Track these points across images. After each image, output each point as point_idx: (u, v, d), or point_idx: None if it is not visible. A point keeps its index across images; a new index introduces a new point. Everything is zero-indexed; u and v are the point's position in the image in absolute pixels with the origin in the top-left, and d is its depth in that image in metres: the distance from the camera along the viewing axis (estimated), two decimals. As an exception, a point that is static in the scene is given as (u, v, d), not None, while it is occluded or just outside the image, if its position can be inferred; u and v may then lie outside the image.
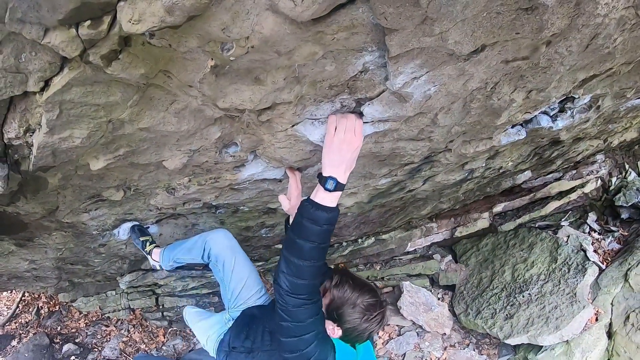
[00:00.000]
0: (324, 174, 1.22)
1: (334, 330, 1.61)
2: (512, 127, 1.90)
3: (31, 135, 1.26)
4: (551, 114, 1.91)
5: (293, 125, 1.29)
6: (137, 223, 2.44)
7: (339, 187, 1.22)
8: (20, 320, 4.19)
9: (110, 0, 0.78)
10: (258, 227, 2.68)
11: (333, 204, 1.24)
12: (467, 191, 3.28)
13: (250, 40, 0.84)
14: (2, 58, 0.94)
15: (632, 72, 1.69)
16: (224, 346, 2.00)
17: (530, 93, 1.46)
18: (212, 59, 0.93)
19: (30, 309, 4.30)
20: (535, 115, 1.85)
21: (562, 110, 1.91)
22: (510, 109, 1.52)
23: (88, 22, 0.82)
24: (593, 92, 1.75)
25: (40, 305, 4.32)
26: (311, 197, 1.26)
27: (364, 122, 1.28)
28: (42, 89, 1.05)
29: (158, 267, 2.49)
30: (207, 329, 2.15)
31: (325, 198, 1.23)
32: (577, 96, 1.76)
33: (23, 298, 4.40)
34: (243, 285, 2.14)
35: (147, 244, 2.45)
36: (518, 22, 0.95)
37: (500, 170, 2.85)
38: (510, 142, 1.97)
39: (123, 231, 2.48)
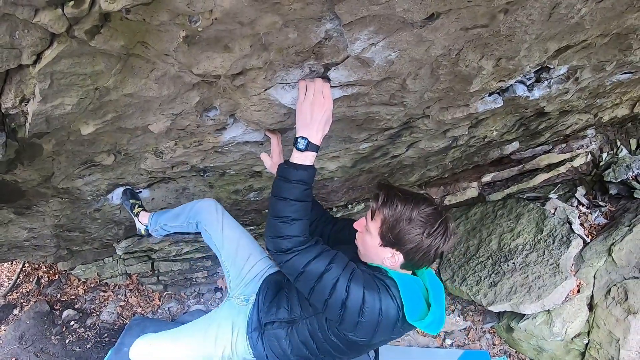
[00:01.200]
0: (297, 135, 1.36)
1: (394, 257, 1.51)
2: (489, 96, 2.01)
3: (26, 104, 1.39)
4: (527, 84, 2.01)
5: (266, 90, 1.41)
6: (129, 187, 2.58)
7: (311, 146, 1.36)
8: (21, 290, 4.39)
9: None
10: (246, 190, 2.82)
11: (306, 163, 1.37)
12: (454, 160, 3.40)
13: (213, 13, 0.96)
14: None
15: (610, 45, 1.78)
16: (254, 326, 1.85)
17: (499, 61, 1.55)
18: (183, 30, 1.05)
19: (31, 279, 4.49)
20: (512, 85, 1.96)
21: (538, 80, 2.00)
22: (481, 77, 1.62)
23: (72, 3, 0.95)
24: (569, 63, 1.84)
25: (40, 274, 4.52)
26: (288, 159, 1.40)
27: (332, 86, 1.40)
28: (35, 62, 1.18)
29: (143, 232, 2.53)
30: (220, 334, 1.91)
31: (298, 157, 1.37)
32: (552, 66, 1.84)
33: (23, 268, 4.58)
34: (247, 257, 2.06)
35: (136, 206, 2.52)
36: None
37: (486, 140, 2.95)
38: (487, 110, 2.07)
39: (116, 196, 2.62)
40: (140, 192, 2.66)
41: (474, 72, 1.54)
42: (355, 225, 1.60)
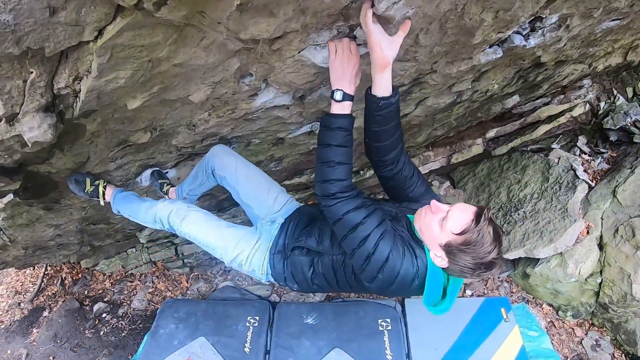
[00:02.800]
0: (332, 88, 1.59)
1: (442, 259, 1.61)
2: (489, 47, 2.23)
3: (79, 83, 1.55)
4: (523, 34, 2.24)
5: (299, 52, 1.63)
6: (156, 168, 2.80)
7: (346, 97, 1.57)
8: (47, 293, 4.59)
9: None
10: (268, 160, 3.05)
11: (345, 112, 1.59)
12: (458, 117, 3.63)
13: None
14: (65, 14, 1.21)
15: None
16: (279, 249, 2.02)
17: (498, 13, 1.76)
18: (238, -1, 1.27)
19: (55, 281, 4.69)
20: (509, 35, 2.18)
21: (533, 29, 2.23)
22: (482, 28, 1.84)
23: None
24: (559, 12, 2.06)
25: (63, 276, 4.72)
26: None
27: (357, 44, 1.62)
28: (96, 38, 1.34)
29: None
30: (245, 240, 2.10)
31: (336, 108, 1.59)
32: (544, 16, 2.07)
33: (46, 272, 4.77)
34: (268, 189, 2.19)
35: (165, 185, 2.74)
36: None
37: (488, 94, 3.18)
38: (489, 61, 2.29)
39: (145, 178, 2.84)
40: (167, 172, 2.88)
41: (476, 24, 1.76)
42: (434, 206, 1.65)
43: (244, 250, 2.08)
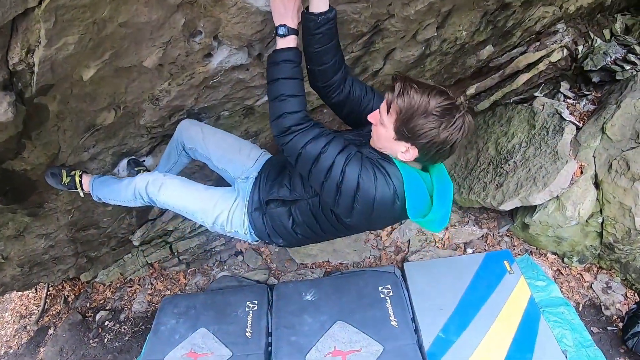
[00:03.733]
0: (275, 24, 1.61)
1: (408, 152, 1.56)
2: None
3: (31, 56, 1.58)
4: None
5: (241, -2, 1.66)
6: (132, 157, 2.82)
7: (290, 31, 1.59)
8: (51, 313, 4.66)
9: None
10: (244, 136, 3.07)
11: (290, 45, 1.60)
12: (434, 74, 3.65)
13: None
14: None
15: None
16: (255, 206, 2.01)
17: None
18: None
19: (58, 300, 4.75)
20: None
21: None
22: None
23: None
24: None
25: (66, 294, 4.77)
26: None
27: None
28: (39, 3, 1.37)
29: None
30: (222, 199, 2.11)
31: (281, 43, 1.61)
32: None
33: (49, 293, 4.84)
34: (239, 149, 2.20)
35: (142, 171, 2.70)
36: None
37: (458, 42, 3.19)
38: None
39: (122, 168, 2.85)
40: (144, 160, 2.90)
41: None
42: (370, 117, 1.64)
43: (223, 211, 2.09)
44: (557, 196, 3.71)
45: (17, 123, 1.81)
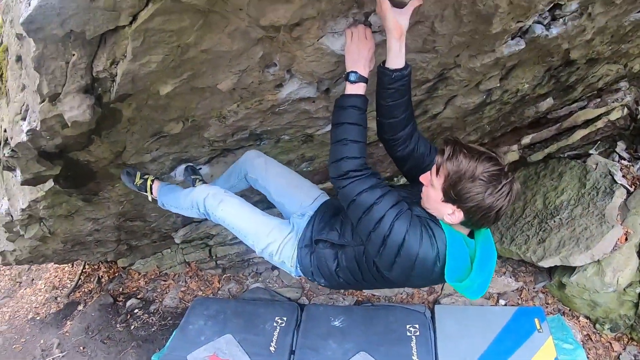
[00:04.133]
0: (347, 70, 1.70)
1: (454, 214, 1.60)
2: (511, 39, 2.28)
3: (115, 67, 1.74)
4: (544, 23, 2.27)
5: (318, 39, 1.76)
6: (190, 164, 2.99)
7: (361, 78, 1.68)
8: (83, 290, 4.91)
9: None
10: (299, 160, 3.19)
11: (359, 92, 1.68)
12: (491, 121, 3.67)
13: None
14: (104, 0, 1.40)
15: None
16: (306, 242, 2.08)
17: None
18: (257, -16, 1.42)
19: (92, 279, 5.01)
20: (530, 25, 2.23)
21: (554, 19, 2.26)
22: (499, 16, 1.88)
23: None
24: None
25: (100, 275, 5.03)
26: None
27: (373, 31, 1.73)
28: (131, 22, 1.52)
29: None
30: (277, 229, 2.18)
31: (350, 88, 1.70)
32: (563, 2, 2.10)
33: (84, 270, 5.11)
34: (297, 185, 2.32)
35: (197, 181, 2.84)
36: None
37: (519, 94, 3.22)
38: (512, 53, 2.32)
39: (179, 172, 3.03)
40: (201, 168, 3.06)
41: (491, 10, 1.82)
42: (421, 178, 1.70)
43: (275, 240, 2.16)
44: (598, 260, 3.64)
45: (92, 122, 1.97)
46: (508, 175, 1.53)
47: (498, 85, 2.85)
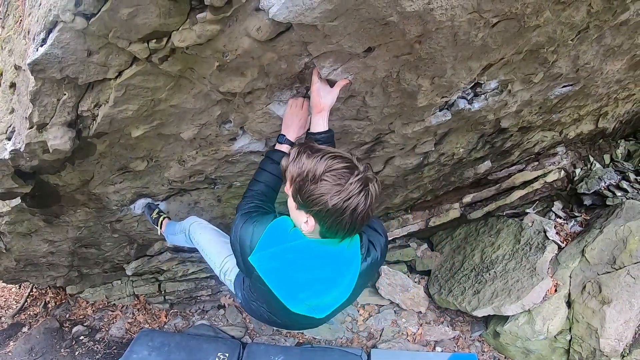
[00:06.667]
0: (281, 132, 2.15)
1: (307, 222, 1.57)
2: (439, 110, 2.75)
3: (98, 109, 2.13)
4: (468, 98, 2.73)
5: (267, 105, 2.25)
6: (150, 200, 3.41)
7: (287, 141, 2.10)
8: (29, 312, 5.14)
9: (168, 30, 1.73)
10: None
11: (282, 149, 2.09)
12: (432, 180, 4.19)
13: (237, 51, 1.80)
14: (98, 57, 1.81)
15: (528, 60, 2.46)
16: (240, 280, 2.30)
17: (433, 79, 2.23)
18: (217, 61, 1.90)
19: (38, 303, 5.25)
20: (455, 100, 2.69)
21: (477, 94, 2.71)
22: (423, 92, 2.33)
23: (154, 40, 1.74)
24: (497, 78, 2.54)
25: (47, 300, 5.27)
26: None
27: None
28: (116, 77, 1.93)
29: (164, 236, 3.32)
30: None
31: (277, 146, 2.12)
32: (482, 82, 2.55)
33: (31, 293, 5.34)
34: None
35: (162, 217, 3.33)
36: (386, 31, 1.72)
37: (455, 157, 3.69)
38: (440, 123, 2.80)
39: (138, 206, 3.43)
40: (159, 204, 3.48)
41: (415, 88, 2.28)
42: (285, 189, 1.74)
43: (231, 261, 2.42)
44: (529, 310, 4.15)
45: (69, 152, 2.31)
46: (356, 172, 1.49)
47: (433, 149, 3.33)
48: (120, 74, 1.93)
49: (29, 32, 1.94)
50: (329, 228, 1.55)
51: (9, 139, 2.42)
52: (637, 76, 3.49)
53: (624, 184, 4.68)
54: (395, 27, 1.73)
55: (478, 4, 1.72)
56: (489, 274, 4.48)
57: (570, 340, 4.11)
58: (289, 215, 1.74)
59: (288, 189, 1.64)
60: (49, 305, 5.20)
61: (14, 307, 5.22)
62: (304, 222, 1.58)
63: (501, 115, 3.13)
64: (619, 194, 4.63)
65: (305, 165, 1.51)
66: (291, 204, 1.65)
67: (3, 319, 5.07)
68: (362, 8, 1.59)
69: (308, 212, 1.54)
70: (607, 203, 4.65)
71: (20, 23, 2.26)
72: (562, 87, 3.05)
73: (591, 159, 5.01)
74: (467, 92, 2.70)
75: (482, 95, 2.74)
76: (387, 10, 1.62)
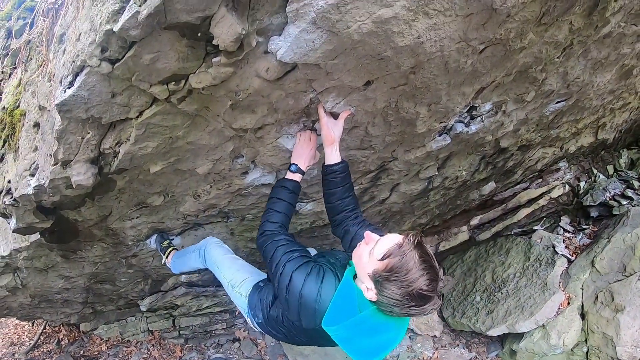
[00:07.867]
0: (291, 162, 2.36)
1: (369, 292, 1.79)
2: (439, 135, 2.95)
3: (119, 146, 2.31)
4: (465, 121, 2.93)
5: (276, 139, 2.46)
6: (164, 233, 3.61)
7: (298, 170, 2.33)
8: (42, 349, 5.28)
9: (185, 73, 1.93)
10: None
11: (295, 179, 2.31)
12: (439, 205, 4.34)
13: (248, 90, 2.01)
14: (121, 98, 2.00)
15: (517, 80, 2.63)
16: (261, 284, 2.49)
17: (430, 106, 2.43)
18: (230, 100, 2.13)
19: (52, 340, 5.39)
20: (453, 124, 2.89)
21: (473, 117, 2.90)
22: (422, 119, 2.53)
23: (173, 82, 1.94)
24: (491, 100, 2.74)
25: (60, 337, 5.42)
26: None
27: (318, 135, 2.42)
28: (137, 116, 2.12)
29: (169, 266, 3.51)
30: (243, 270, 2.68)
31: (289, 175, 2.34)
32: (477, 105, 2.74)
33: (44, 330, 5.49)
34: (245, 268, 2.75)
35: (169, 248, 3.53)
36: (383, 65, 1.92)
37: (459, 180, 3.88)
38: (440, 147, 2.99)
39: (153, 241, 3.64)
40: (173, 239, 3.69)
41: (414, 116, 2.49)
42: (367, 236, 1.87)
43: (241, 275, 2.64)
44: (543, 325, 4.26)
45: (90, 187, 2.49)
46: (431, 296, 1.67)
47: (437, 173, 3.52)
48: (141, 113, 2.11)
49: (53, 75, 2.13)
50: (383, 309, 1.78)
51: (32, 175, 2.57)
52: (629, 84, 3.65)
53: (629, 192, 4.86)
54: (390, 61, 1.93)
55: (464, 33, 1.91)
56: (501, 293, 4.62)
57: (587, 352, 4.20)
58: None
59: (375, 259, 1.75)
60: (62, 342, 5.33)
61: (27, 344, 5.35)
62: (368, 289, 1.79)
63: (499, 135, 3.32)
64: (624, 202, 4.80)
65: (410, 272, 1.65)
66: (368, 265, 1.79)
67: (17, 355, 5.20)
68: (359, 46, 1.80)
69: (377, 289, 1.76)
70: (614, 213, 4.80)
71: (43, 67, 2.45)
72: (556, 102, 3.22)
73: (594, 171, 5.18)
74: (463, 116, 2.89)
75: (478, 118, 2.92)
76: (382, 46, 1.82)
